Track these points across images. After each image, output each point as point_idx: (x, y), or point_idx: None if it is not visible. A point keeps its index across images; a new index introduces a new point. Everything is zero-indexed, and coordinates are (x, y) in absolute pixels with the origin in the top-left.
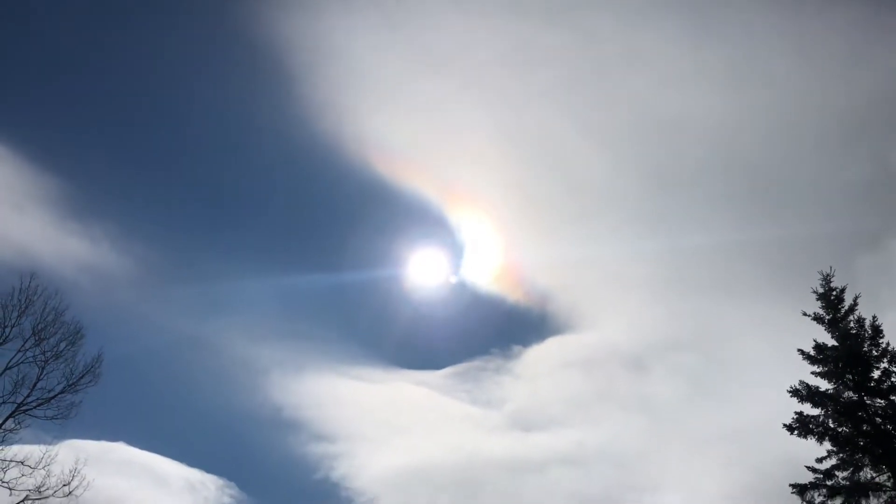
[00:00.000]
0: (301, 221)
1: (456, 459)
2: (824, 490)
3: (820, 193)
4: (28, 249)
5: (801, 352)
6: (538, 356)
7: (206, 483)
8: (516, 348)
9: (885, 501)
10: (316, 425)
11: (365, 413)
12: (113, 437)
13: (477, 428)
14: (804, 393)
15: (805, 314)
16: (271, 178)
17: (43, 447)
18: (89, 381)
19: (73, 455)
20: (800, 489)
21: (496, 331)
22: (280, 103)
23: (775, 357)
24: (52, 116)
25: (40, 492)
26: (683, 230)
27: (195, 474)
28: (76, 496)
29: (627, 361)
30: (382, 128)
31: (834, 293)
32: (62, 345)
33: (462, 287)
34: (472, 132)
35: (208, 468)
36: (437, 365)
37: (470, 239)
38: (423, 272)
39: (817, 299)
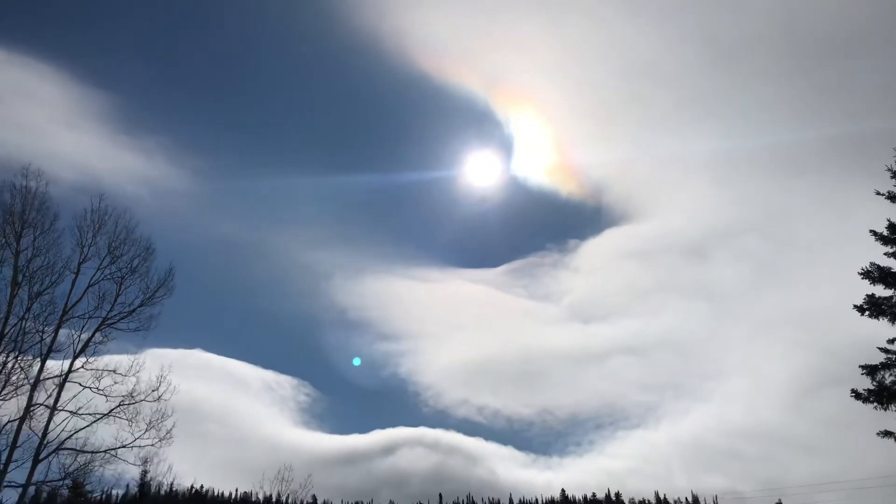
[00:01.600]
0: (347, 122)
1: (517, 352)
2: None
3: None
4: (86, 166)
5: (874, 232)
6: (595, 249)
7: (282, 383)
8: (572, 242)
9: None
10: (380, 325)
11: (426, 312)
12: (189, 345)
13: (536, 321)
14: (876, 274)
15: (878, 193)
16: (316, 80)
17: (129, 357)
18: (164, 294)
19: (156, 363)
20: (870, 370)
21: (551, 226)
22: (315, 5)
23: (842, 238)
24: (96, 32)
25: (133, 397)
26: (744, 108)
27: (270, 375)
28: (164, 400)
29: (687, 249)
30: (423, 21)
31: None
32: (136, 261)
33: (515, 183)
34: (516, 18)
35: (282, 369)
36: (493, 263)
37: (520, 133)
38: (474, 171)
39: (892, 177)
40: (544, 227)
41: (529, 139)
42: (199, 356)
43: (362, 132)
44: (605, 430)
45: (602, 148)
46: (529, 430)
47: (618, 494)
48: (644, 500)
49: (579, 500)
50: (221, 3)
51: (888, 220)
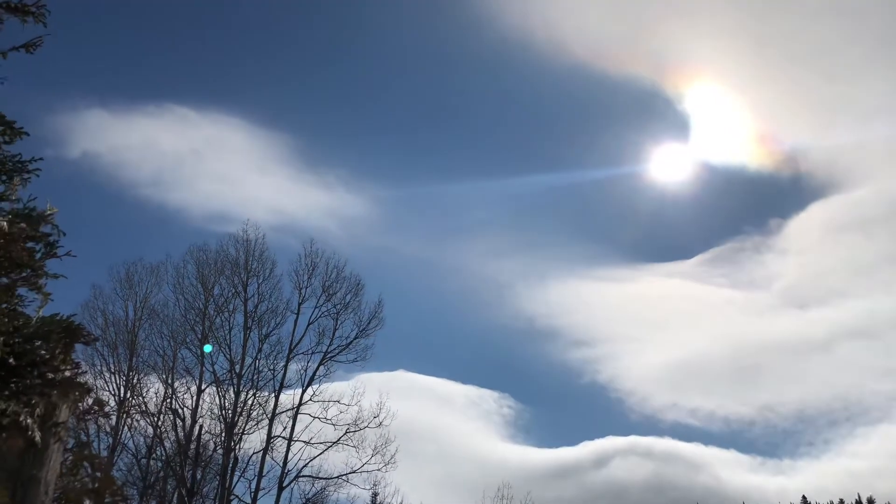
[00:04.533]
0: (508, 125)
1: (726, 347)
2: None
3: None
4: (278, 206)
5: None
6: (802, 226)
7: (485, 397)
8: (774, 222)
9: None
10: (571, 331)
11: (617, 313)
12: (393, 367)
13: (744, 312)
14: None
15: None
16: (471, 85)
17: (345, 384)
18: (376, 325)
19: (371, 389)
20: None
21: (746, 206)
22: (458, 8)
23: None
24: (269, 78)
25: (357, 425)
26: None
27: (472, 390)
28: (385, 426)
29: None
30: (573, 7)
31: None
32: (348, 296)
33: (697, 165)
34: None
35: (482, 383)
36: (685, 254)
37: (696, 110)
38: (649, 158)
39: None
40: (737, 208)
41: (706, 115)
42: (402, 377)
43: (523, 134)
44: (841, 426)
45: (791, 109)
46: (750, 430)
47: (870, 500)
48: None
49: None
50: (378, 32)
51: None
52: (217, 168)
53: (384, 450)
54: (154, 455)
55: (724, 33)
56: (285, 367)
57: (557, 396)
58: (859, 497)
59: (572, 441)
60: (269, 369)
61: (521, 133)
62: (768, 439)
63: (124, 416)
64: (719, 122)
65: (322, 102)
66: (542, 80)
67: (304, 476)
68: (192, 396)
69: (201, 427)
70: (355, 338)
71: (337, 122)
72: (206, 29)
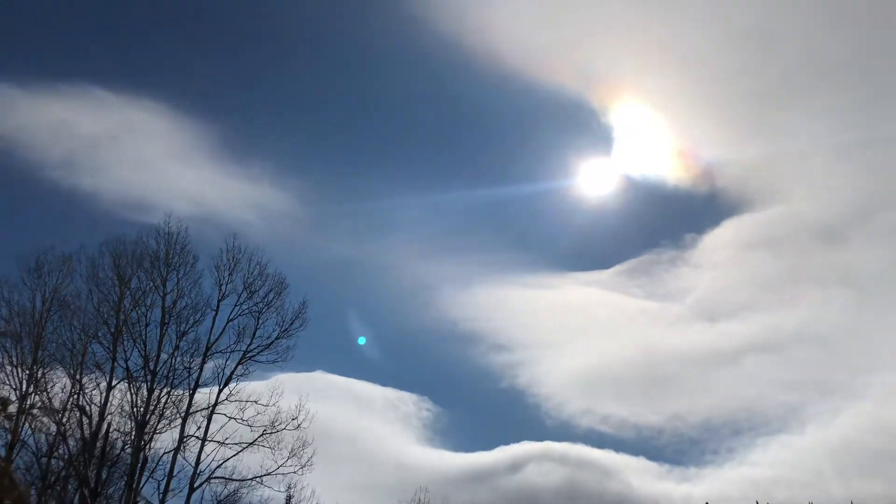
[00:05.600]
0: (436, 127)
1: (640, 357)
2: None
3: None
4: (199, 196)
5: None
6: (716, 241)
7: (404, 400)
8: (689, 237)
9: None
10: (493, 336)
11: (539, 319)
12: (311, 368)
13: (657, 322)
14: None
15: None
16: (400, 85)
17: (262, 383)
18: (299, 327)
19: (287, 388)
20: None
21: (663, 220)
22: (394, 6)
23: None
24: (199, 65)
25: (274, 426)
26: (867, 74)
27: (391, 393)
28: (304, 428)
29: (820, 232)
30: (506, 13)
31: None
32: (270, 295)
33: (618, 178)
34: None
35: (401, 386)
36: (605, 264)
37: (620, 123)
38: (578, 171)
39: None
40: (655, 221)
41: (629, 129)
42: (321, 378)
43: (455, 139)
44: (743, 436)
45: (709, 127)
46: (659, 438)
47: None
48: None
49: None
50: (310, 33)
51: None
52: (135, 154)
53: (301, 452)
54: (56, 453)
55: (649, 50)
56: (202, 364)
57: (476, 400)
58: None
59: (489, 445)
60: (186, 367)
61: (453, 137)
62: (676, 447)
63: (25, 411)
64: (641, 137)
65: (250, 93)
66: (474, 86)
67: (216, 477)
68: (102, 393)
69: (109, 425)
70: (277, 338)
71: (264, 113)
72: (132, 9)
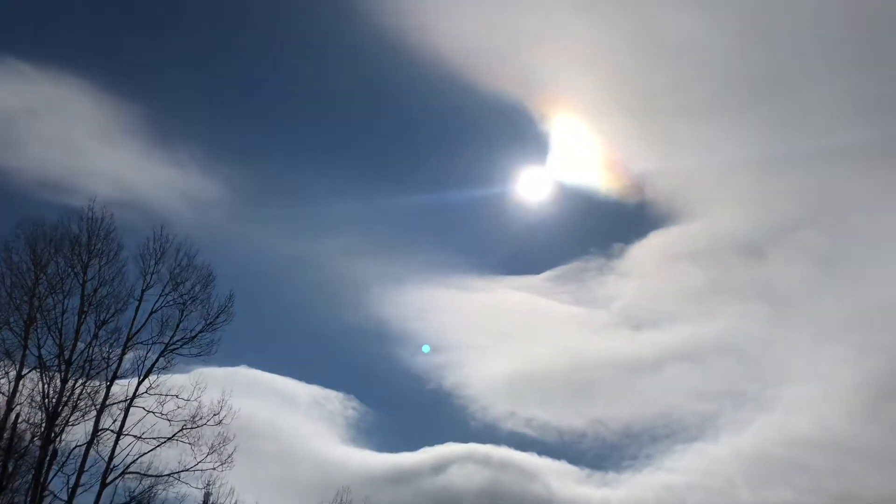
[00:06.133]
0: (374, 123)
1: (566, 361)
2: None
3: None
4: (122, 180)
5: None
6: (643, 252)
7: (330, 398)
8: (617, 246)
9: None
10: (421, 336)
11: (469, 322)
12: (235, 363)
13: (584, 328)
14: None
15: None
16: (340, 82)
17: (184, 376)
18: (224, 321)
19: (208, 382)
20: None
21: (593, 229)
22: None
23: None
24: (127, 43)
25: (195, 421)
26: (793, 92)
27: (317, 391)
28: (226, 424)
29: (741, 247)
30: (449, 15)
31: None
32: (197, 287)
33: (553, 185)
34: (545, 8)
35: (326, 384)
36: (536, 269)
37: (556, 131)
38: (513, 177)
39: None
40: (586, 230)
41: (565, 137)
42: (245, 373)
43: (394, 136)
44: (661, 442)
45: (640, 141)
46: (581, 442)
47: None
48: None
49: None
50: (250, 17)
51: None
52: (56, 132)
53: (222, 448)
54: None
55: (588, 62)
56: (121, 355)
57: (403, 400)
58: None
59: (414, 446)
60: (104, 357)
61: (393, 138)
62: (597, 452)
63: None
64: (576, 146)
65: (181, 75)
66: (414, 85)
67: (131, 472)
68: (11, 382)
69: (18, 415)
70: (201, 331)
71: (196, 97)
72: None
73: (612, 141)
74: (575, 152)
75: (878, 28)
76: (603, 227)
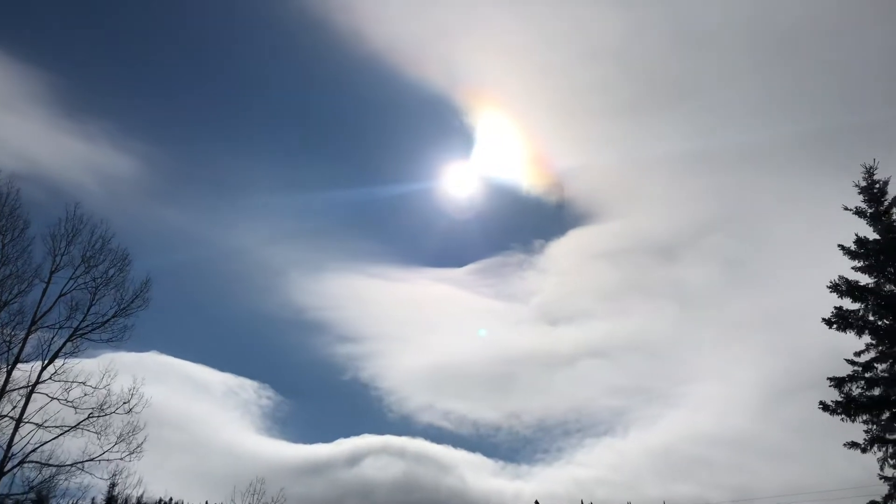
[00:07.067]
0: (298, 102)
1: (484, 355)
2: (862, 382)
3: (872, 74)
4: (26, 152)
5: (842, 247)
6: (562, 249)
7: (244, 387)
8: (538, 243)
9: None
10: (339, 326)
11: (388, 312)
12: (145, 348)
13: (503, 322)
14: (844, 288)
15: (846, 208)
16: (265, 55)
17: (92, 360)
18: (139, 306)
19: (113, 368)
20: (837, 382)
21: (515, 225)
22: None
23: (814, 236)
24: (36, 7)
25: (102, 409)
26: (710, 98)
27: (231, 379)
28: (136, 413)
29: (655, 248)
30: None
31: (877, 186)
32: (111, 271)
33: (477, 179)
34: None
35: (240, 372)
36: (458, 262)
37: (481, 125)
38: (431, 164)
39: (859, 193)
40: (508, 225)
41: (490, 131)
42: (156, 359)
43: (317, 115)
44: (572, 436)
45: (563, 139)
46: (496, 435)
47: None
48: None
49: None
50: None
51: (856, 235)
52: None
53: (131, 438)
54: None
55: (514, 56)
56: (25, 339)
57: (319, 391)
58: (582, 503)
59: (329, 437)
60: (6, 340)
61: (318, 124)
62: (511, 445)
63: None
64: (500, 141)
65: (97, 45)
66: (338, 66)
67: (30, 462)
68: None
69: None
70: (113, 316)
71: (111, 68)
72: None
73: (535, 137)
74: (499, 147)
75: (795, 32)
76: (524, 224)
